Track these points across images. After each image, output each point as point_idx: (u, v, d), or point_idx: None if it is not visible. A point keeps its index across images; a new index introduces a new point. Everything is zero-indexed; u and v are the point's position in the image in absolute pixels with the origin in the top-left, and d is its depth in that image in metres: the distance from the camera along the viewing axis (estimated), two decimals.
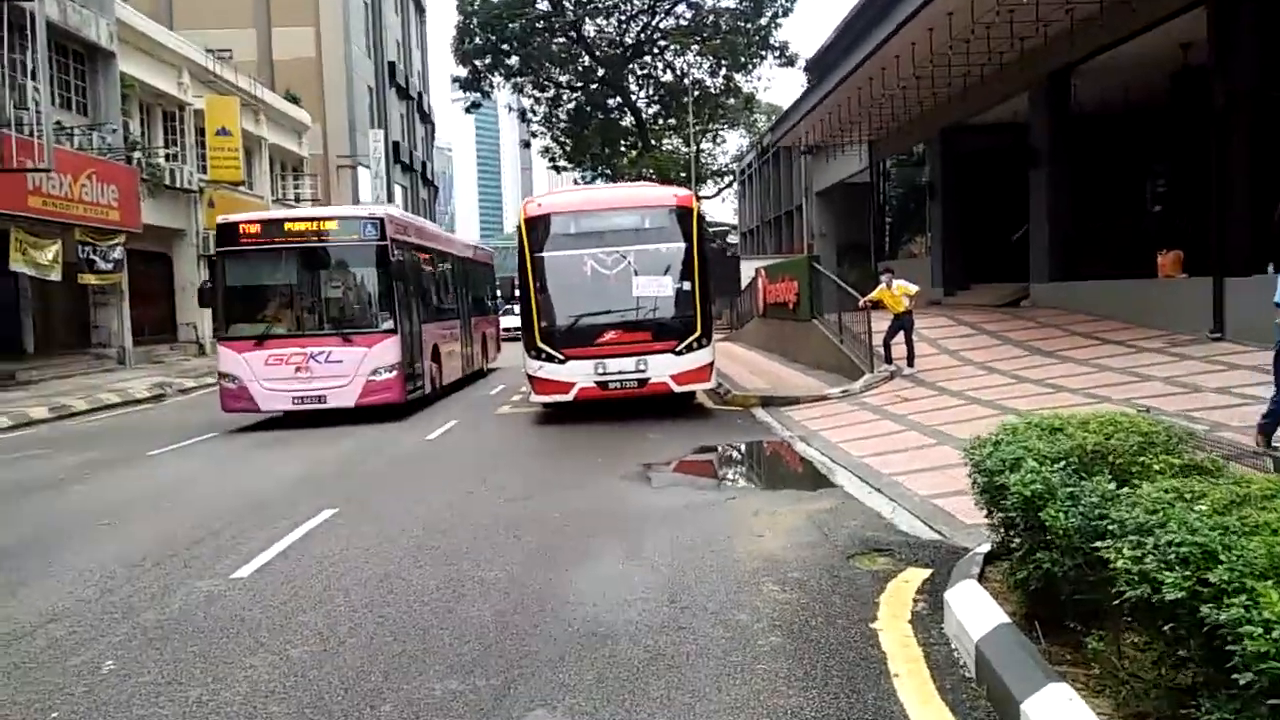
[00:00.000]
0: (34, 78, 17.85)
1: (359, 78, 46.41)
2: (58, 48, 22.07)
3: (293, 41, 43.61)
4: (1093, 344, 13.31)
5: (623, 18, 44.14)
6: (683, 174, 43.00)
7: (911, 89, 21.29)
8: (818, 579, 5.31)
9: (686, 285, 12.59)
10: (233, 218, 14.17)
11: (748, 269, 30.57)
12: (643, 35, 44.69)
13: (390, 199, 48.88)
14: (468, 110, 46.60)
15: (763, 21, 42.56)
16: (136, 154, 24.74)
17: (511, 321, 32.25)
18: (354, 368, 13.25)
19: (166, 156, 26.68)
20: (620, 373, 12.36)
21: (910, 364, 13.60)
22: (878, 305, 14.08)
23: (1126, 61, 15.77)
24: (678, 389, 12.54)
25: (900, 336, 13.70)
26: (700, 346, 12.56)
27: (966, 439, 4.99)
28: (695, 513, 7.23)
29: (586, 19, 44.15)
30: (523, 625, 4.76)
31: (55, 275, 20.38)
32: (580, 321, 12.54)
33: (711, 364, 12.81)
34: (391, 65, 52.09)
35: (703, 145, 53.62)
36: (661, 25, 44.08)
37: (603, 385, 12.40)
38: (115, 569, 6.16)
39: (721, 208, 70.38)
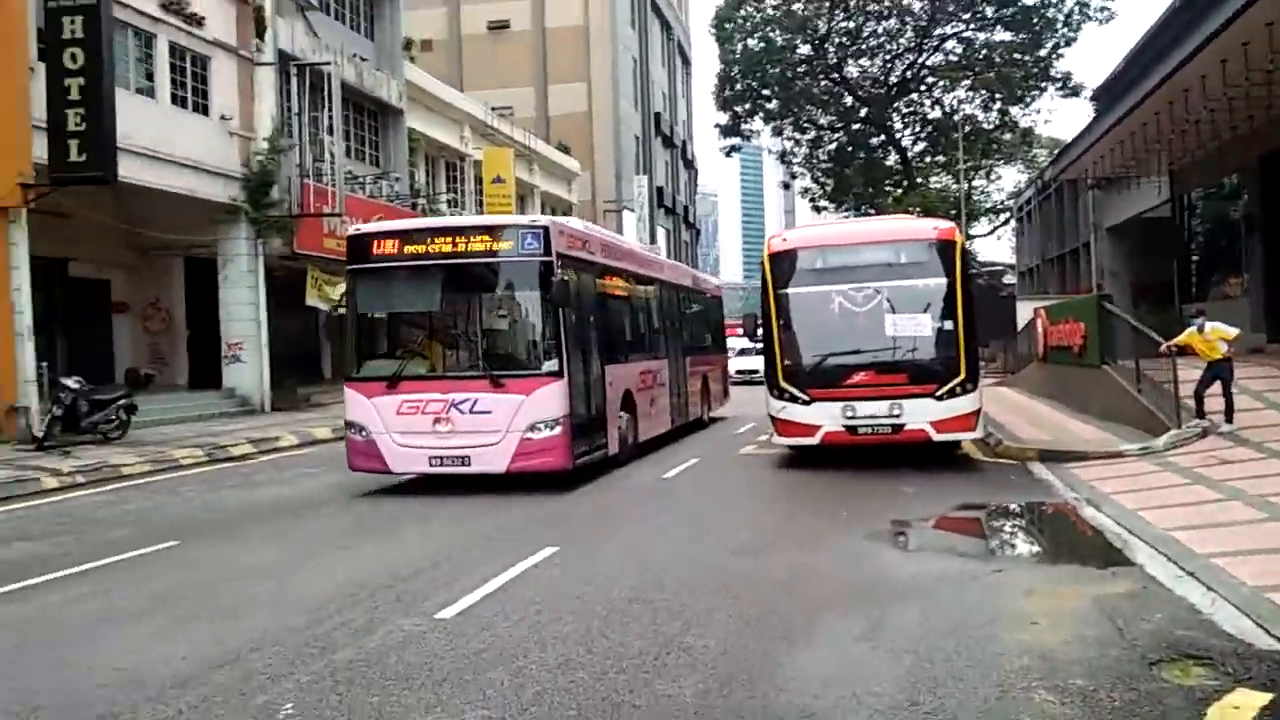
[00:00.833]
0: (330, 133, 19.63)
1: (626, 128, 48.13)
2: (354, 106, 24.33)
3: (567, 97, 46.00)
4: None
5: (887, 57, 42.84)
6: (952, 211, 40.71)
7: (1222, 112, 18.60)
8: (1109, 691, 4.12)
9: (948, 324, 11.35)
10: (366, 228, 11.64)
11: (1025, 310, 28.05)
12: (909, 73, 43.07)
13: (653, 241, 50.11)
14: (727, 154, 47.00)
15: (1042, 53, 39.68)
16: (420, 200, 26.70)
17: (746, 363, 29.46)
18: (506, 420, 10.11)
19: (447, 202, 28.62)
20: (872, 417, 11.30)
21: (1229, 420, 11.48)
22: (1184, 351, 12.07)
23: None
24: (938, 437, 11.28)
25: (1216, 387, 11.62)
26: (964, 391, 11.25)
27: None
28: (952, 586, 6.14)
29: (849, 60, 43.24)
30: (724, 712, 4.00)
31: (344, 310, 22.17)
32: (827, 361, 11.63)
33: (978, 411, 11.44)
34: (657, 115, 53.69)
35: (975, 182, 50.77)
36: (929, 62, 42.29)
37: (851, 430, 11.38)
38: (334, 597, 6.06)
39: (997, 246, 66.28)
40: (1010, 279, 59.66)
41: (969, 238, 46.94)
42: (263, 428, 16.93)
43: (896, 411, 11.22)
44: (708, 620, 5.36)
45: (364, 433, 10.51)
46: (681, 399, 16.00)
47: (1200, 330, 11.78)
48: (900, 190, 44.31)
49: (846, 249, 12.07)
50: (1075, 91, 39.02)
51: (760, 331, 12.34)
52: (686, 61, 65.81)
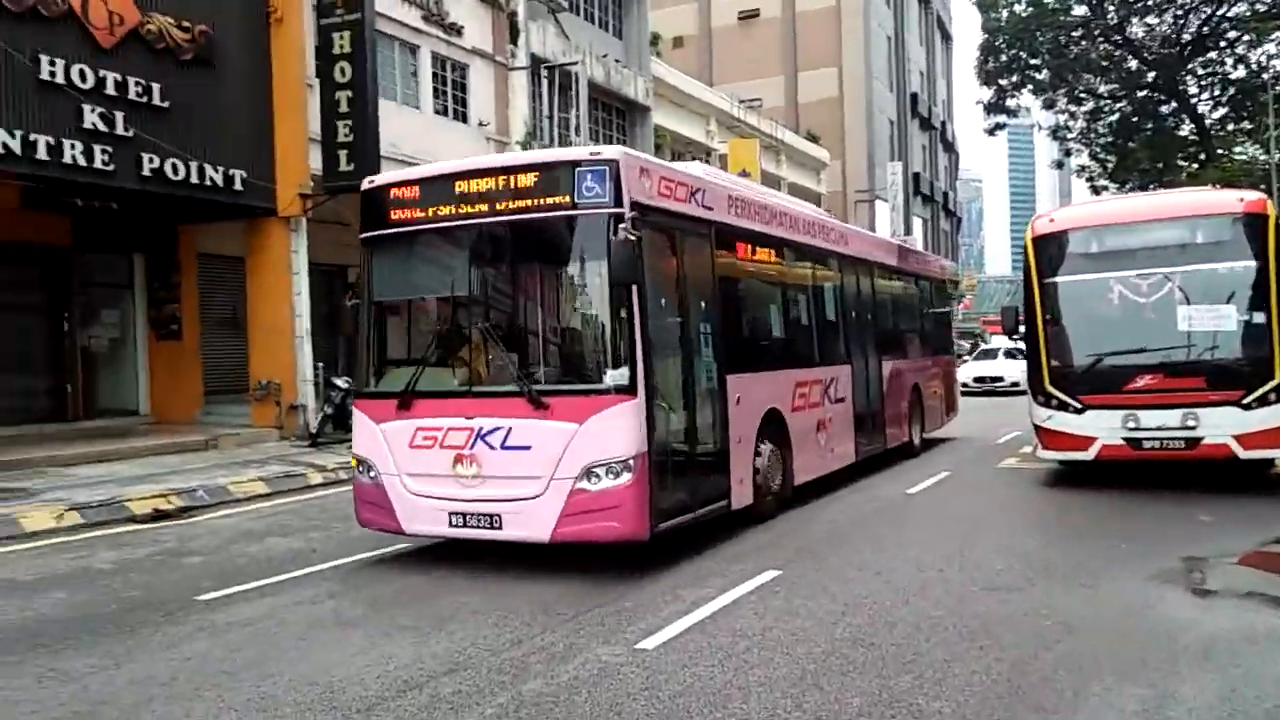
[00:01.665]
0: (577, 132, 19.96)
1: (879, 112, 46.19)
2: (601, 105, 24.73)
3: (817, 83, 44.83)
4: None
5: (1179, 11, 37.92)
6: (1260, 187, 35.46)
7: None
8: None
9: (1260, 317, 9.53)
10: (382, 178, 8.05)
11: None
12: (1205, 28, 37.95)
13: (908, 231, 47.76)
14: (991, 133, 43.57)
15: None
16: None
17: (984, 368, 28.20)
18: (550, 461, 6.67)
19: None
20: (1160, 429, 9.71)
21: None
22: None
23: None
24: (1244, 455, 9.49)
25: None
26: (1279, 399, 9.42)
27: None
28: (1262, 651, 4.95)
29: (1133, 18, 38.75)
30: None
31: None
32: (1104, 362, 10.10)
33: None
34: (914, 97, 51.17)
35: None
36: (1231, 13, 37.01)
37: (1134, 444, 9.85)
38: (540, 613, 5.83)
39: None
40: None
41: None
42: None
43: (1191, 422, 9.58)
44: (945, 676, 4.58)
45: (372, 472, 7.36)
46: (874, 419, 12.05)
47: None
48: (1196, 165, 39.21)
49: (1128, 228, 10.44)
50: None
51: (1023, 329, 11.00)
52: (947, 37, 62.25)
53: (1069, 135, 43.31)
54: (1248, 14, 36.14)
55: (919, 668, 4.70)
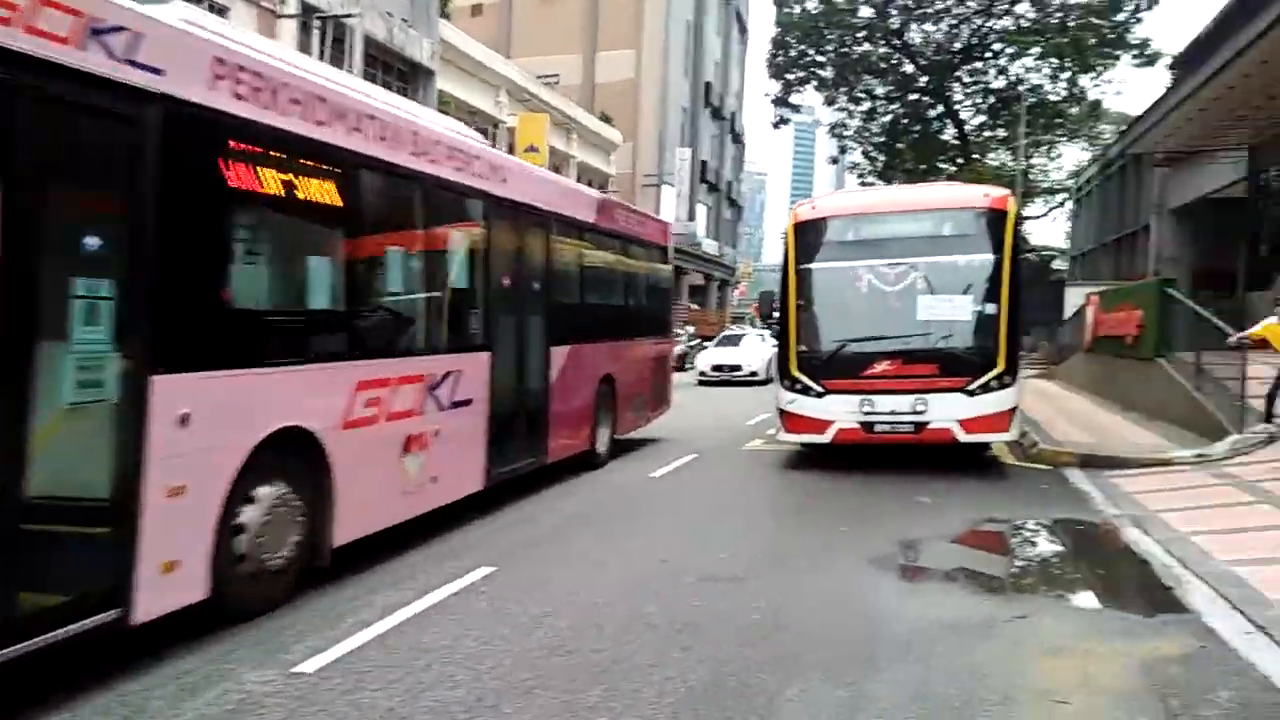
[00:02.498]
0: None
1: (673, 97, 46.63)
2: (383, 66, 23.30)
3: (614, 64, 44.60)
4: None
5: (954, 21, 40.58)
6: (1007, 191, 38.51)
7: None
8: None
9: (990, 308, 10.03)
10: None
11: (1073, 296, 26.33)
12: (975, 38, 40.82)
13: (691, 217, 48.66)
14: (776, 126, 45.11)
15: (1120, 16, 37.18)
16: None
17: (722, 356, 25.56)
18: None
19: None
20: (892, 413, 10.03)
21: None
22: (1256, 345, 10.63)
23: None
24: (965, 438, 9.98)
25: None
26: (1001, 386, 9.92)
27: None
28: (960, 639, 4.96)
29: (913, 23, 41.12)
30: None
31: None
32: (847, 348, 10.33)
33: (1014, 409, 10.09)
34: (708, 86, 51.98)
35: (1034, 160, 48.36)
36: (998, 26, 40.00)
37: (867, 427, 10.14)
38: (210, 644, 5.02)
39: (1050, 229, 63.62)
40: (1060, 264, 57.18)
41: (1022, 220, 44.57)
42: None
43: (920, 407, 9.95)
44: (642, 686, 4.25)
45: None
46: (529, 424, 8.92)
47: None
48: (955, 167, 42.20)
49: (882, 218, 10.76)
50: (1152, 60, 36.46)
51: (776, 314, 11.10)
52: (744, 30, 63.73)
53: (845, 132, 45.49)
54: (1012, 27, 39.14)
55: (614, 677, 4.35)
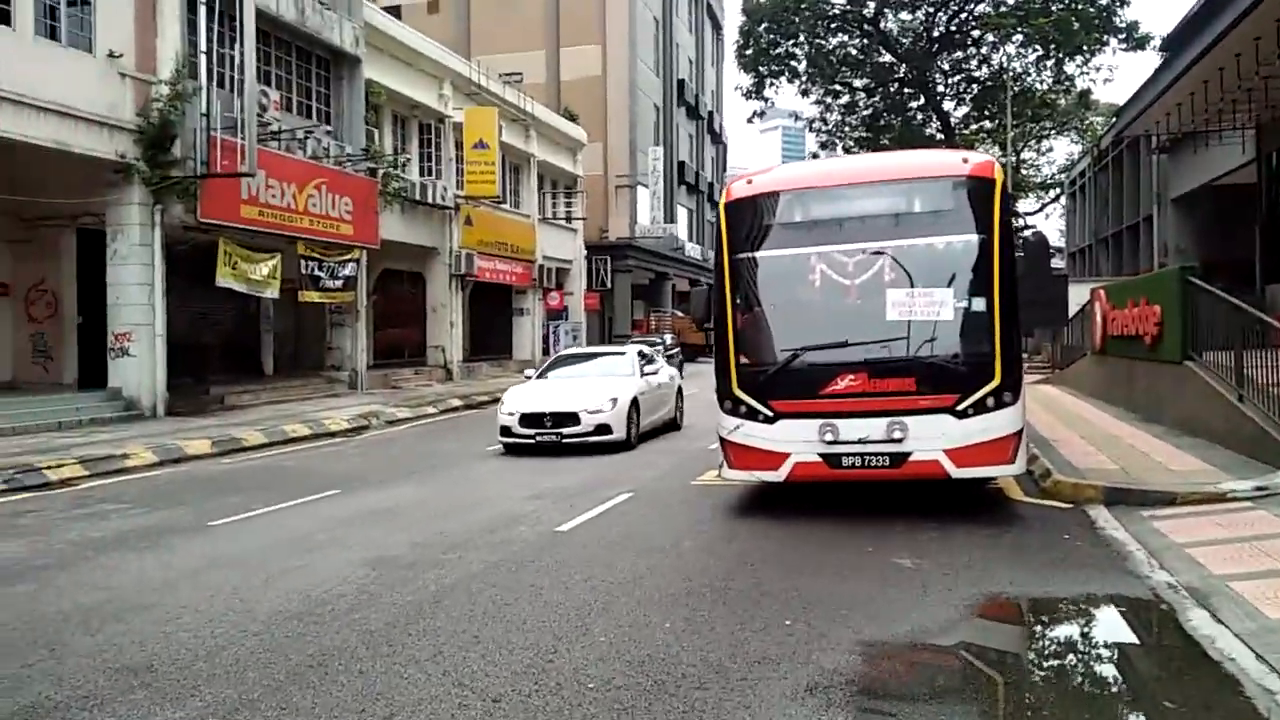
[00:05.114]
0: (242, 72, 16.31)
1: (643, 95, 44.52)
2: (299, 52, 21.05)
3: (579, 60, 42.60)
4: None
5: (931, 7, 38.57)
6: None
7: None
8: None
9: (980, 303, 7.74)
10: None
11: (1077, 294, 24.12)
12: (954, 25, 38.80)
13: (672, 219, 46.52)
14: (749, 120, 43.18)
15: (1105, 0, 35.20)
16: (383, 166, 23.32)
17: (540, 399, 13.15)
18: None
19: (403, 165, 25.09)
20: (861, 442, 7.74)
21: None
22: None
23: None
24: (957, 473, 7.67)
25: None
26: (1000, 405, 7.63)
27: None
28: None
29: (888, 10, 39.09)
30: None
31: (271, 292, 19.00)
32: (801, 358, 8.03)
33: (1019, 434, 7.78)
34: (681, 83, 49.95)
35: (1024, 154, 46.36)
36: (978, 10, 37.97)
37: (831, 461, 7.83)
38: None
39: (1046, 225, 61.69)
40: (1060, 262, 55.16)
41: (1015, 215, 42.66)
42: (124, 440, 13.67)
43: (898, 434, 7.66)
44: None
45: None
46: None
47: None
48: None
49: (836, 193, 8.37)
50: (1141, 44, 34.48)
51: (712, 315, 8.77)
52: (718, 26, 61.70)
53: (825, 127, 43.43)
54: (992, 12, 37.10)
55: None
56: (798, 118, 42.89)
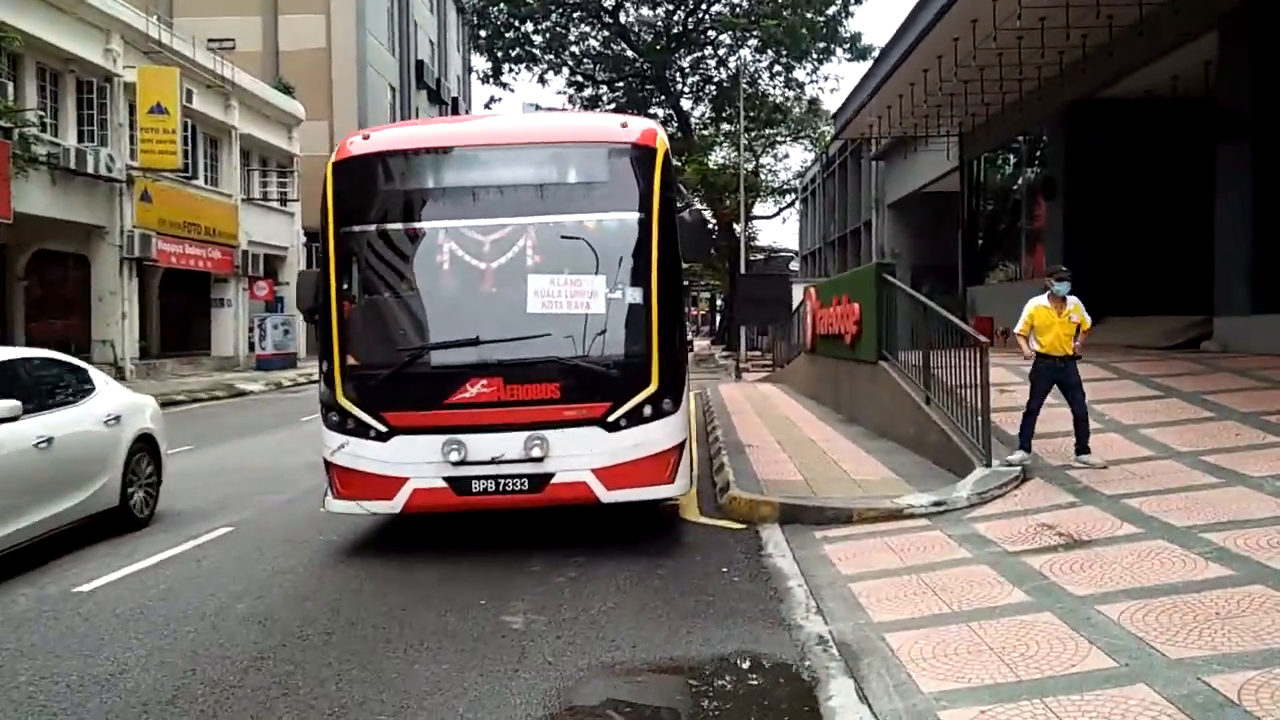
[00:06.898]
0: None
1: (376, 73, 41.58)
2: None
3: (301, 29, 39.07)
4: None
5: (670, 4, 38.49)
6: (733, 189, 36.95)
7: (1014, 53, 15.14)
8: None
9: (636, 294, 6.44)
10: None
11: (799, 293, 24.40)
12: (690, 23, 38.92)
13: None
14: (486, 106, 41.38)
15: (831, 10, 36.46)
16: (19, 126, 19.43)
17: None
18: None
19: (46, 126, 21.20)
20: (496, 462, 6.25)
21: (1082, 451, 7.44)
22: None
23: None
24: (608, 497, 6.35)
25: (1052, 397, 7.54)
26: (659, 414, 6.37)
27: None
28: None
29: (627, 4, 38.65)
30: None
31: None
32: (421, 359, 6.46)
33: (680, 448, 6.57)
34: (420, 64, 47.30)
35: (761, 160, 47.65)
36: (713, 11, 38.29)
37: (459, 486, 6.28)
38: None
39: (783, 230, 64.48)
40: (795, 265, 57.58)
41: (751, 218, 43.63)
42: None
43: (537, 451, 6.23)
44: None
45: None
46: None
47: (1057, 302, 7.63)
48: (678, 161, 40.25)
49: (473, 155, 6.84)
50: (863, 55, 35.95)
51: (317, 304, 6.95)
52: (461, 9, 59.25)
53: None
54: (725, 13, 37.48)
55: None
56: (539, 109, 41.49)
